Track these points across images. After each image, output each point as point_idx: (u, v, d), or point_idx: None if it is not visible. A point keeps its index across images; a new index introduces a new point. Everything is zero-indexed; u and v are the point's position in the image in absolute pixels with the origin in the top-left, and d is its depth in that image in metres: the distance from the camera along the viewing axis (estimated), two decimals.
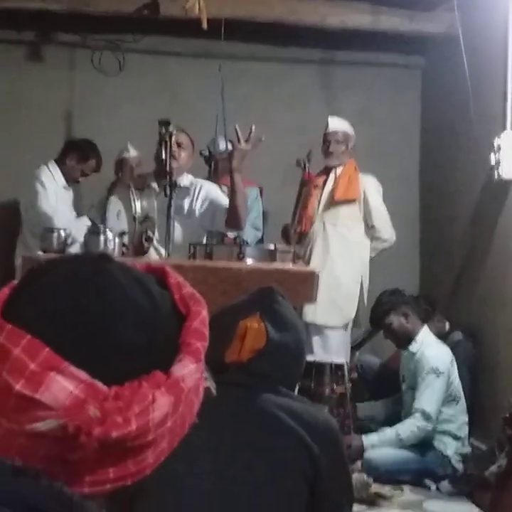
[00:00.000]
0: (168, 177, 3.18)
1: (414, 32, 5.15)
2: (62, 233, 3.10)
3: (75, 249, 3.08)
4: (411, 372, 4.04)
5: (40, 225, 4.07)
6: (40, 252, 3.12)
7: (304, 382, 3.40)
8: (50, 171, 4.58)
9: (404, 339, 4.10)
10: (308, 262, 4.21)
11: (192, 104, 5.42)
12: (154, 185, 3.38)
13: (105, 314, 0.67)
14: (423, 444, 3.90)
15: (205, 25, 4.44)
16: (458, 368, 4.02)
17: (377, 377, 4.66)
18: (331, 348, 4.22)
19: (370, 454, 3.79)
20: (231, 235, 3.56)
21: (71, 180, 4.68)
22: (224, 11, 4.71)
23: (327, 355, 4.01)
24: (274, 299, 1.60)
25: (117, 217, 3.30)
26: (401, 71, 5.82)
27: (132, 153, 4.91)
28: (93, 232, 3.00)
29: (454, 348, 4.15)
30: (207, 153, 4.49)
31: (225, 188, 3.61)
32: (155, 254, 3.29)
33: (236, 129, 3.27)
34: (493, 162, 4.29)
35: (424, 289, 5.51)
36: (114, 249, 2.95)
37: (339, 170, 4.46)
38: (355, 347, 4.74)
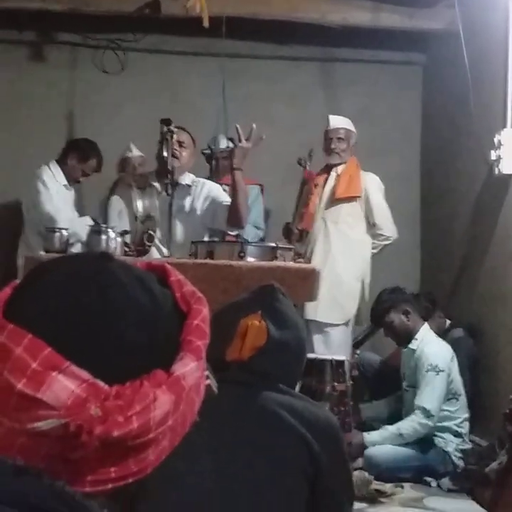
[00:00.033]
0: (169, 176, 3.19)
1: (414, 29, 5.14)
2: (65, 233, 3.10)
3: (77, 248, 3.08)
4: (411, 369, 4.04)
5: (42, 224, 4.08)
6: (42, 252, 3.12)
7: (305, 380, 3.40)
8: (51, 170, 4.58)
9: (405, 337, 4.10)
10: (309, 260, 4.21)
11: (193, 103, 5.42)
12: (156, 184, 3.39)
13: (106, 313, 0.67)
14: (424, 441, 3.90)
15: (206, 24, 4.45)
16: (458, 365, 4.02)
17: (377, 375, 4.66)
18: (332, 346, 4.22)
19: (370, 451, 3.79)
20: (232, 233, 3.56)
21: (72, 180, 4.68)
22: (225, 9, 4.70)
23: (328, 353, 4.01)
24: (275, 297, 1.60)
25: (119, 217, 3.31)
26: (402, 68, 5.81)
27: (135, 152, 4.91)
28: (95, 231, 3.01)
29: (454, 344, 4.14)
30: (208, 152, 4.48)
31: (226, 187, 3.61)
32: (157, 253, 3.29)
33: (237, 128, 3.28)
34: (493, 158, 4.29)
35: (425, 286, 5.51)
36: (116, 248, 2.95)
37: (341, 168, 4.46)
38: (356, 344, 4.74)
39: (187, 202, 3.42)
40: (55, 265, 0.72)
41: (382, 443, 3.83)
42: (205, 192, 3.43)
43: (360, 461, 3.76)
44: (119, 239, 2.99)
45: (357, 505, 2.57)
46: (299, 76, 5.72)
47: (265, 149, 4.18)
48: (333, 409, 3.48)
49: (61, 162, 4.64)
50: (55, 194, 4.47)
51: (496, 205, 4.41)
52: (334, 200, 4.41)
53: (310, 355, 3.28)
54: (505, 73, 4.31)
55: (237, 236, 3.56)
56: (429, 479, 3.81)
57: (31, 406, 0.62)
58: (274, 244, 3.05)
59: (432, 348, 3.97)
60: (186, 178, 3.43)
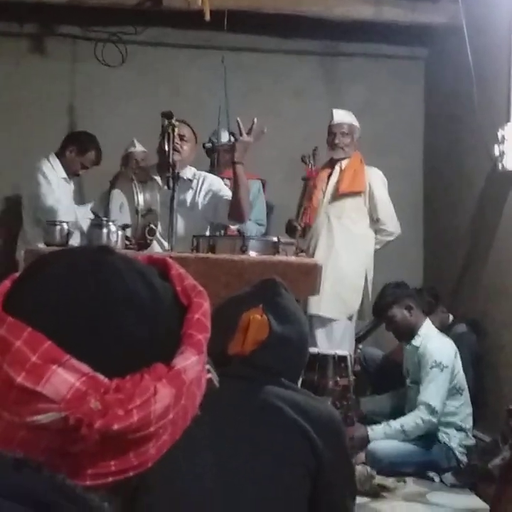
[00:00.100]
0: (170, 170, 3.18)
1: (417, 23, 5.12)
2: (65, 226, 3.10)
3: (76, 238, 3.08)
4: (415, 366, 4.04)
5: (43, 216, 4.08)
6: (42, 245, 3.12)
7: (308, 375, 3.40)
8: (50, 163, 4.58)
9: (407, 332, 4.10)
10: (312, 255, 4.20)
11: (195, 96, 5.41)
12: (157, 178, 3.38)
13: (107, 306, 0.67)
14: (427, 436, 3.90)
15: (207, 17, 4.44)
16: (462, 360, 4.02)
17: (379, 370, 4.66)
18: (335, 340, 4.22)
19: (373, 445, 3.79)
20: (234, 227, 3.55)
21: (71, 172, 4.67)
22: (227, 2, 4.69)
23: (331, 348, 4.01)
24: (277, 292, 1.60)
25: (120, 210, 3.30)
26: (405, 62, 5.80)
27: (138, 148, 4.91)
28: (96, 225, 3.00)
29: (457, 340, 4.14)
30: (210, 145, 4.48)
31: (227, 181, 3.60)
32: (158, 247, 3.29)
33: (238, 122, 3.27)
34: (497, 153, 4.28)
35: (428, 281, 5.51)
36: (116, 241, 2.95)
37: (345, 162, 4.45)
38: (358, 339, 4.75)
39: (188, 196, 3.41)
40: (54, 258, 0.72)
41: (385, 439, 3.83)
42: (207, 186, 3.42)
43: (362, 456, 3.76)
44: (120, 232, 2.99)
45: (359, 500, 2.56)
46: (301, 70, 5.71)
47: (268, 143, 4.17)
48: (336, 404, 3.49)
49: (60, 155, 4.64)
50: (56, 186, 4.47)
51: (500, 200, 4.41)
52: (338, 195, 4.40)
53: (312, 350, 3.28)
54: (509, 67, 4.29)
55: (239, 230, 3.55)
56: (432, 474, 3.82)
57: (31, 399, 0.62)
58: (276, 239, 3.04)
59: (435, 344, 3.97)
60: (187, 172, 3.43)
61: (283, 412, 1.48)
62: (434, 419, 3.84)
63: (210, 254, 2.90)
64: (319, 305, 4.16)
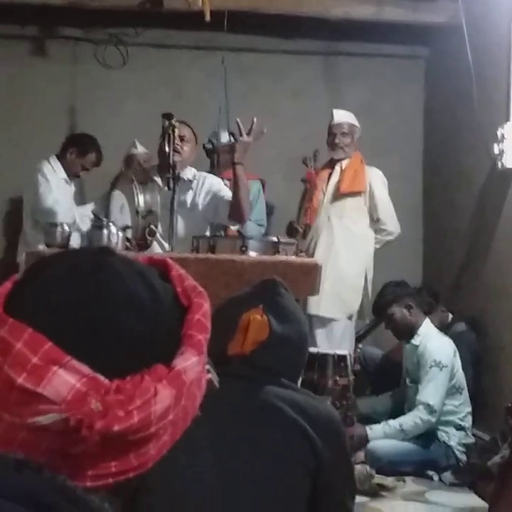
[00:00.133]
0: (171, 170, 3.18)
1: (417, 22, 5.13)
2: (66, 228, 3.10)
3: (75, 238, 3.08)
4: (414, 365, 4.04)
5: (42, 217, 4.08)
6: (41, 246, 3.12)
7: (307, 374, 3.40)
8: (51, 164, 4.58)
9: (406, 331, 4.10)
10: (312, 255, 4.20)
11: (195, 97, 5.42)
12: (157, 178, 3.38)
13: (107, 308, 0.67)
14: (426, 435, 3.91)
15: (208, 18, 4.44)
16: (461, 359, 4.02)
17: (379, 369, 4.67)
18: (335, 340, 4.22)
19: (372, 445, 3.80)
20: (234, 227, 3.56)
21: (72, 174, 4.68)
22: (227, 3, 4.69)
23: (330, 347, 4.01)
24: (277, 292, 1.60)
25: (121, 211, 3.30)
26: (405, 62, 5.80)
27: (140, 149, 4.91)
28: (97, 226, 3.01)
29: (456, 339, 4.15)
30: (210, 146, 4.48)
31: (227, 182, 3.61)
32: (158, 248, 3.29)
33: (238, 122, 3.27)
34: (496, 152, 4.28)
35: (427, 280, 5.51)
36: (117, 243, 2.95)
37: (345, 162, 4.45)
38: (358, 338, 4.75)
39: (189, 196, 3.41)
40: (55, 260, 0.72)
41: (384, 438, 3.84)
42: (207, 186, 3.42)
43: (362, 455, 3.77)
44: (120, 234, 2.99)
45: (359, 499, 2.56)
46: (302, 70, 5.71)
47: (268, 144, 4.18)
48: (335, 404, 3.49)
49: (61, 157, 4.65)
50: (55, 187, 4.47)
51: (499, 198, 4.41)
52: (338, 195, 4.40)
53: (312, 350, 3.28)
54: (509, 66, 4.30)
55: (239, 230, 3.56)
56: (431, 473, 3.82)
57: (32, 400, 0.62)
58: (276, 239, 3.04)
59: (434, 343, 3.97)
60: (188, 173, 3.43)
61: (283, 412, 1.49)
62: (433, 419, 3.84)
63: (210, 255, 2.91)
64: (319, 305, 4.16)
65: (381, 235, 4.45)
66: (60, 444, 0.63)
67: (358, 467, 3.32)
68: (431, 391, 3.85)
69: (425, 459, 3.87)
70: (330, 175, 4.48)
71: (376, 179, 4.45)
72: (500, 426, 3.55)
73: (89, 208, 3.45)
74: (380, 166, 4.53)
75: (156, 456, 0.67)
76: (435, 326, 4.17)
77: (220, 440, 1.46)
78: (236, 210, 3.28)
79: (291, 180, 4.75)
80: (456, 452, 3.90)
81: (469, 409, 4.03)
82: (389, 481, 3.58)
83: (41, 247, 3.28)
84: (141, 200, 3.17)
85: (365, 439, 3.81)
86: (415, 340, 4.05)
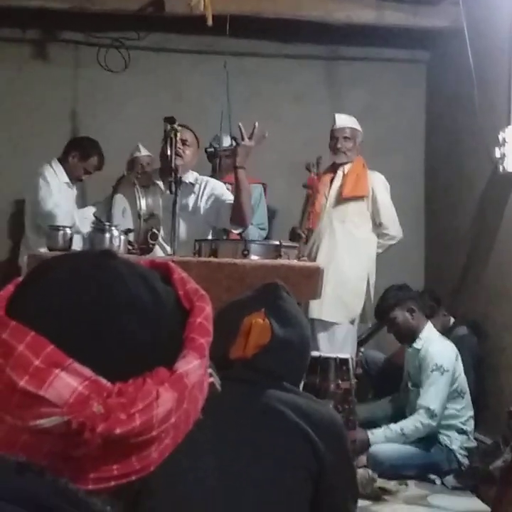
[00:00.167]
0: (173, 174, 3.19)
1: (418, 26, 5.13)
2: (68, 231, 3.11)
3: (77, 241, 3.08)
4: (416, 369, 4.04)
5: (43, 221, 4.07)
6: (42, 249, 3.12)
7: (309, 378, 3.40)
8: (52, 168, 4.59)
9: (408, 334, 4.10)
10: (314, 259, 4.20)
11: (197, 101, 5.42)
12: (159, 182, 3.39)
13: (109, 311, 0.67)
14: (428, 439, 3.90)
15: (210, 22, 4.44)
16: (463, 363, 4.02)
17: (381, 373, 4.66)
18: (337, 344, 4.22)
19: (375, 448, 3.79)
20: (236, 231, 3.56)
21: (74, 178, 4.68)
22: (229, 7, 4.70)
23: (332, 351, 4.01)
24: (279, 295, 1.60)
25: (123, 215, 3.30)
26: (406, 66, 5.80)
27: (143, 152, 4.91)
28: (98, 229, 3.01)
29: (458, 342, 4.14)
30: (212, 150, 4.48)
31: (229, 186, 3.61)
32: (160, 252, 3.29)
33: (240, 127, 3.28)
34: (498, 156, 4.28)
35: (429, 283, 5.51)
36: (119, 246, 2.95)
37: (347, 167, 4.45)
38: (360, 342, 4.75)
39: (191, 200, 3.42)
40: (57, 263, 0.72)
41: (385, 442, 3.84)
42: (209, 190, 3.43)
43: (364, 459, 3.76)
44: (122, 237, 2.99)
45: (361, 503, 2.56)
46: (303, 74, 5.71)
47: (269, 148, 4.18)
48: (337, 407, 3.48)
49: (63, 160, 4.65)
50: (56, 190, 4.47)
51: (501, 202, 4.41)
52: (341, 199, 4.41)
53: (314, 353, 3.27)
54: (510, 70, 4.30)
55: (240, 234, 3.56)
56: (433, 477, 3.81)
57: (34, 403, 0.62)
58: (278, 243, 3.04)
59: (436, 347, 3.97)
60: (190, 177, 3.44)
61: (285, 416, 1.48)
62: (434, 423, 3.83)
63: (212, 258, 2.91)
64: (321, 309, 4.16)
65: (383, 239, 4.46)
66: (62, 446, 0.63)
67: (360, 471, 3.31)
68: (432, 395, 3.85)
69: (427, 462, 3.86)
70: (332, 179, 4.48)
71: (378, 183, 4.46)
72: (502, 429, 3.55)
73: (89, 211, 3.45)
74: (381, 170, 4.53)
75: (158, 459, 0.67)
76: (437, 330, 4.17)
77: (222, 443, 1.46)
78: (238, 214, 3.28)
79: (294, 185, 4.75)
80: (458, 456, 3.89)
81: (471, 413, 4.02)
82: (391, 484, 3.57)
83: (43, 250, 3.28)
84: (143, 203, 3.17)
85: (366, 443, 3.80)
86: (417, 344, 4.04)
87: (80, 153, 4.65)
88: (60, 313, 0.66)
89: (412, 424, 3.85)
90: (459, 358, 4.00)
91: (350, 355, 3.94)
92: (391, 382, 4.40)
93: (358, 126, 4.49)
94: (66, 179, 4.63)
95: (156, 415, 0.64)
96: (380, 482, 3.52)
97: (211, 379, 0.73)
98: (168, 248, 3.27)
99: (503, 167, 4.25)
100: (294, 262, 2.96)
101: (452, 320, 4.62)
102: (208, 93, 5.29)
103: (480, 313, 4.62)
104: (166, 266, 0.76)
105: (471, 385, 4.09)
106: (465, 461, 3.87)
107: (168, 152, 3.20)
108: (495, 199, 4.52)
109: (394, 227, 4.46)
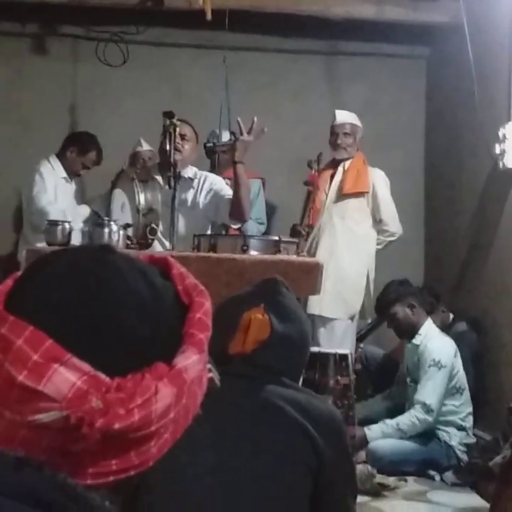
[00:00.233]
0: (172, 169, 3.18)
1: (418, 22, 5.12)
2: (67, 226, 3.10)
3: (76, 236, 3.07)
4: (415, 365, 4.04)
5: (34, 219, 4.06)
6: (41, 244, 3.11)
7: (308, 374, 3.40)
8: (50, 164, 4.58)
9: (408, 330, 4.10)
10: (314, 255, 4.20)
11: (196, 96, 5.41)
12: (158, 177, 3.38)
13: (108, 305, 0.67)
14: (427, 435, 3.91)
15: (209, 17, 4.44)
16: (462, 359, 4.02)
17: (380, 368, 4.67)
18: (336, 339, 4.22)
19: (374, 444, 3.80)
20: (235, 226, 3.56)
21: (72, 173, 4.68)
22: (228, 1, 4.69)
23: (332, 346, 4.01)
24: (278, 291, 1.60)
25: (121, 210, 3.30)
26: (406, 61, 5.79)
27: (145, 147, 4.91)
28: (98, 224, 3.01)
29: (457, 339, 4.15)
30: (211, 145, 4.48)
31: (228, 181, 3.61)
32: (159, 247, 3.29)
33: (238, 121, 3.27)
34: (497, 152, 4.28)
35: (429, 280, 5.51)
36: (118, 241, 2.95)
37: (347, 163, 4.45)
38: (360, 338, 4.75)
39: (189, 195, 3.41)
40: (56, 257, 0.72)
41: (382, 438, 3.84)
42: (208, 185, 3.43)
43: (363, 455, 3.77)
44: (121, 232, 2.99)
45: (360, 498, 2.56)
46: (302, 69, 5.71)
47: (268, 143, 4.17)
48: (337, 403, 3.49)
49: (61, 155, 4.64)
50: (52, 187, 4.46)
51: (501, 198, 4.41)
52: (341, 195, 4.41)
53: (313, 349, 3.27)
54: (510, 66, 4.29)
55: (239, 229, 3.55)
56: (432, 473, 3.82)
57: (32, 398, 0.62)
58: (277, 238, 3.04)
59: (435, 343, 3.98)
60: (189, 171, 3.43)
61: (284, 411, 1.48)
62: (430, 418, 3.84)
63: (211, 254, 2.91)
64: (321, 305, 4.16)
65: (383, 235, 4.46)
66: (60, 441, 0.63)
67: (359, 467, 3.32)
68: (429, 390, 3.85)
69: (426, 458, 3.87)
70: (332, 175, 4.48)
71: (379, 180, 4.46)
72: (501, 425, 3.55)
73: (83, 210, 3.45)
74: (381, 166, 4.53)
75: (157, 454, 0.67)
76: (436, 326, 4.17)
77: (220, 439, 1.46)
78: (237, 209, 3.28)
79: (293, 181, 4.75)
80: (458, 452, 3.90)
81: (470, 409, 4.03)
82: (390, 480, 3.57)
83: (42, 245, 3.28)
84: (141, 198, 3.17)
85: (364, 440, 3.81)
86: (416, 340, 4.05)
87: (79, 148, 4.64)
88: (59, 307, 0.66)
89: (408, 419, 3.86)
90: (458, 354, 4.00)
91: (350, 350, 3.94)
92: (390, 378, 4.41)
93: (358, 122, 4.48)
94: (64, 174, 4.62)
95: (154, 410, 0.64)
96: (380, 478, 3.53)
97: (210, 374, 0.73)
98: (167, 243, 3.27)
99: (503, 163, 4.25)
100: (294, 257, 2.96)
101: (452, 316, 4.62)
102: (207, 88, 5.28)
103: (480, 309, 4.62)
104: (165, 261, 0.76)
105: (471, 381, 4.09)
106: (464, 457, 3.88)
107: (167, 147, 3.20)
108: (495, 195, 4.52)
109: (394, 224, 4.46)
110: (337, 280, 4.21)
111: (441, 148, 5.54)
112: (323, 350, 3.76)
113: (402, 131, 5.72)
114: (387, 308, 4.17)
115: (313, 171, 4.36)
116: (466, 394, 4.02)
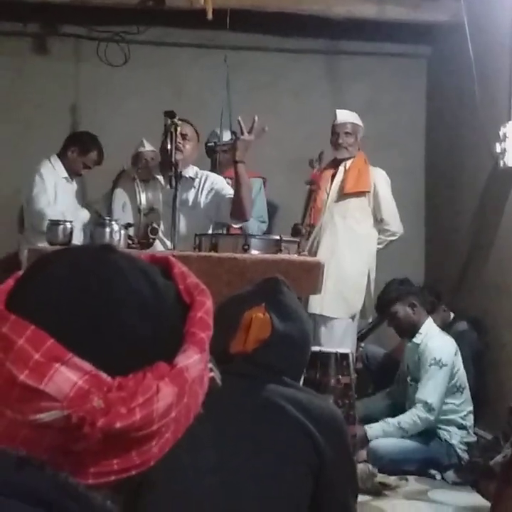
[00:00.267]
0: (173, 169, 3.18)
1: (419, 21, 5.12)
2: (68, 225, 3.10)
3: (77, 235, 3.08)
4: (415, 364, 4.04)
5: (32, 220, 4.05)
6: (42, 244, 3.12)
7: (309, 373, 3.40)
8: (51, 163, 4.57)
9: (408, 329, 4.11)
10: (315, 254, 4.20)
11: (197, 96, 5.41)
12: (159, 177, 3.38)
13: (109, 305, 0.67)
14: (428, 434, 3.91)
15: (210, 16, 4.43)
16: (462, 358, 4.02)
17: (381, 368, 4.67)
18: (337, 339, 4.22)
19: (375, 443, 3.80)
20: (236, 226, 3.56)
21: (73, 173, 4.67)
22: (229, 1, 4.69)
23: (332, 346, 4.01)
24: (279, 290, 1.60)
25: (123, 210, 3.31)
26: (407, 60, 5.79)
27: (147, 147, 4.90)
28: (99, 224, 3.01)
29: (458, 337, 4.15)
30: (212, 145, 4.48)
31: (229, 180, 3.61)
32: (160, 246, 3.29)
33: (239, 121, 3.27)
34: (498, 151, 4.28)
35: (429, 279, 5.51)
36: (119, 240, 2.95)
37: (349, 162, 4.44)
38: (360, 337, 4.75)
39: (191, 194, 3.42)
40: (57, 257, 0.72)
41: (383, 436, 3.84)
42: (209, 184, 3.43)
43: (364, 454, 3.77)
44: (122, 232, 2.99)
45: (361, 498, 2.56)
46: (303, 69, 5.70)
47: (269, 142, 4.17)
48: (338, 402, 3.48)
49: (62, 155, 4.64)
50: (52, 187, 4.46)
51: (501, 198, 4.41)
52: (343, 195, 4.40)
53: (314, 348, 3.27)
54: (510, 65, 4.29)
55: (240, 229, 3.56)
56: (433, 472, 3.82)
57: (34, 397, 0.62)
58: (278, 237, 3.04)
59: (435, 342, 3.98)
60: (190, 171, 3.43)
61: (285, 411, 1.49)
62: (431, 417, 3.84)
63: (212, 253, 2.91)
64: (322, 304, 4.16)
65: (384, 235, 4.46)
66: (62, 441, 0.63)
67: (360, 466, 3.32)
68: (430, 389, 3.86)
69: (427, 457, 3.87)
70: (333, 175, 4.47)
71: (380, 179, 4.46)
72: (502, 424, 3.55)
73: (83, 213, 3.45)
74: (381, 165, 4.53)
75: (158, 453, 0.67)
76: (437, 325, 4.17)
77: (222, 438, 1.46)
78: (238, 208, 3.28)
79: (294, 180, 4.75)
80: (458, 451, 3.90)
81: (471, 408, 4.03)
82: (391, 479, 3.57)
83: (43, 244, 3.28)
84: (143, 198, 3.17)
85: (365, 439, 3.81)
86: (417, 339, 4.05)
87: (80, 148, 4.64)
88: (60, 307, 0.66)
89: (409, 418, 3.86)
90: (459, 353, 4.00)
91: (351, 349, 3.94)
92: (391, 377, 4.40)
93: (359, 122, 4.48)
94: (65, 174, 4.62)
95: (156, 409, 0.64)
96: (380, 477, 3.53)
97: (211, 373, 0.73)
98: (168, 243, 3.27)
99: (504, 162, 4.25)
100: (295, 256, 2.96)
101: (452, 315, 4.62)
102: (208, 87, 5.28)
103: (480, 308, 4.62)
104: (166, 260, 0.76)
105: (471, 380, 4.09)
106: (465, 456, 3.88)
107: (168, 146, 3.20)
108: (495, 194, 4.52)
109: (395, 224, 4.46)
110: (338, 279, 4.21)
111: (441, 147, 5.54)
112: (324, 349, 3.76)
113: (403, 130, 5.72)
114: (388, 307, 4.17)
115: (315, 170, 4.36)
116: (467, 393, 4.02)
